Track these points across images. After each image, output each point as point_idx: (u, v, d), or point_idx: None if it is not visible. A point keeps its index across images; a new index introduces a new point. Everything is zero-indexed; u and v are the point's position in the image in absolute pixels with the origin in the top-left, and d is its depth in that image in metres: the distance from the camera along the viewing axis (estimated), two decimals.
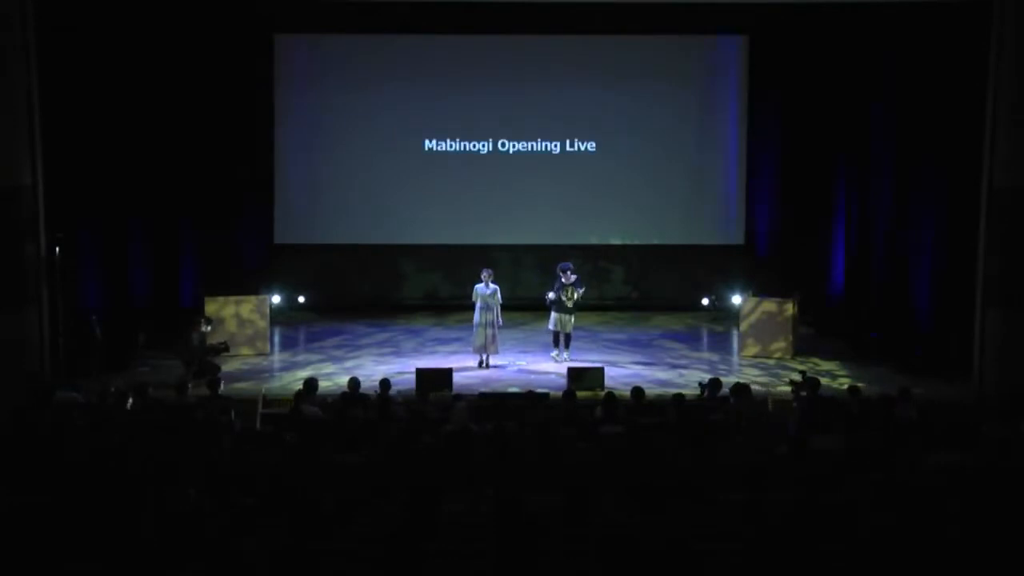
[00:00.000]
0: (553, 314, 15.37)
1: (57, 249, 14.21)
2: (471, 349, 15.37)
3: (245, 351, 15.75)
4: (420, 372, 13.83)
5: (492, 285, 15.15)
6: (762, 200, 18.59)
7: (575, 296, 15.23)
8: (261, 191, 18.38)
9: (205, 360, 14.27)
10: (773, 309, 15.82)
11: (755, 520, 8.20)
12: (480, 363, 15.17)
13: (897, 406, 11.63)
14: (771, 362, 15.53)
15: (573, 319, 15.44)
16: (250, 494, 8.81)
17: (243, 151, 17.92)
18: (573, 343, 15.57)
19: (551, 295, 15.34)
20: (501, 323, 15.27)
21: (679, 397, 11.99)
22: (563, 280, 15.30)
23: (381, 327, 17.76)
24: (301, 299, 18.53)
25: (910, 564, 7.70)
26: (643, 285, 19.43)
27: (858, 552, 7.78)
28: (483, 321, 15.05)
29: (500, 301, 15.19)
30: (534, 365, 15.31)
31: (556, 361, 15.29)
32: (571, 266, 15.54)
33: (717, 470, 9.61)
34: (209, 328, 14.79)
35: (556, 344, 15.53)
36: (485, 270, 15.32)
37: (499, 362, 15.29)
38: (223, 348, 14.79)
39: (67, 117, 14.66)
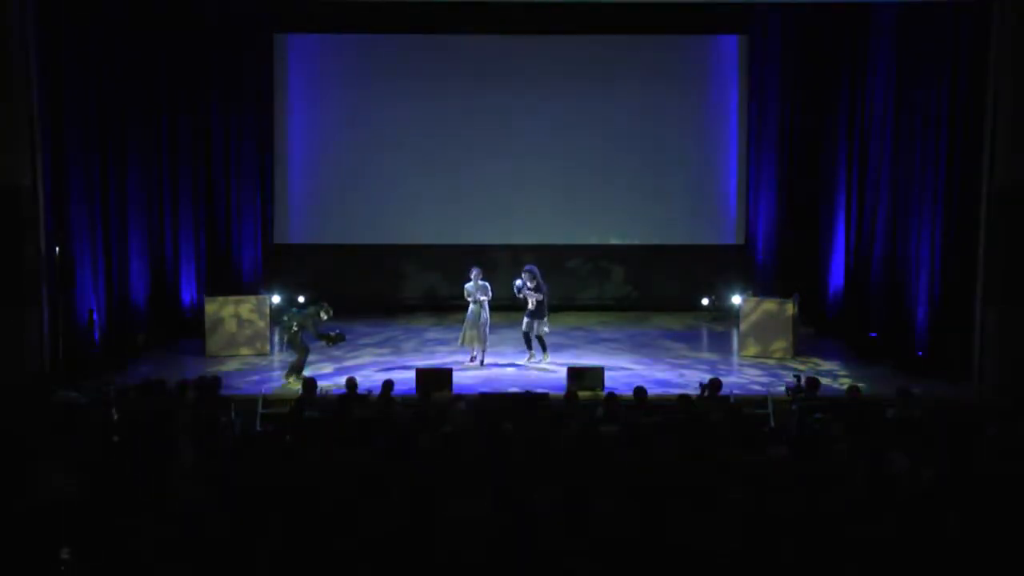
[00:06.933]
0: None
1: (57, 249, 14.21)
2: (460, 345, 15.35)
3: (245, 351, 15.76)
4: (420, 372, 13.84)
5: (482, 282, 15.18)
6: (762, 200, 18.58)
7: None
8: (261, 191, 18.37)
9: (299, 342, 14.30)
10: (773, 309, 15.81)
11: (755, 520, 8.20)
12: (472, 358, 15.18)
13: (897, 406, 11.63)
14: (771, 362, 15.53)
15: (525, 322, 15.30)
16: (250, 494, 8.80)
17: (243, 151, 17.91)
18: (547, 345, 15.39)
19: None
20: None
21: (686, 399, 11.96)
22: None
23: (381, 327, 17.75)
24: (301, 299, 18.50)
25: (910, 565, 7.70)
26: (643, 285, 19.43)
27: (858, 552, 7.78)
28: (474, 318, 15.08)
29: (490, 297, 15.19)
30: (534, 365, 15.30)
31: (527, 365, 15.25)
32: (532, 269, 15.29)
33: (717, 470, 9.60)
34: (326, 317, 14.65)
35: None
36: (474, 268, 15.34)
37: (499, 361, 15.29)
38: (340, 338, 14.64)
39: (67, 117, 14.64)
